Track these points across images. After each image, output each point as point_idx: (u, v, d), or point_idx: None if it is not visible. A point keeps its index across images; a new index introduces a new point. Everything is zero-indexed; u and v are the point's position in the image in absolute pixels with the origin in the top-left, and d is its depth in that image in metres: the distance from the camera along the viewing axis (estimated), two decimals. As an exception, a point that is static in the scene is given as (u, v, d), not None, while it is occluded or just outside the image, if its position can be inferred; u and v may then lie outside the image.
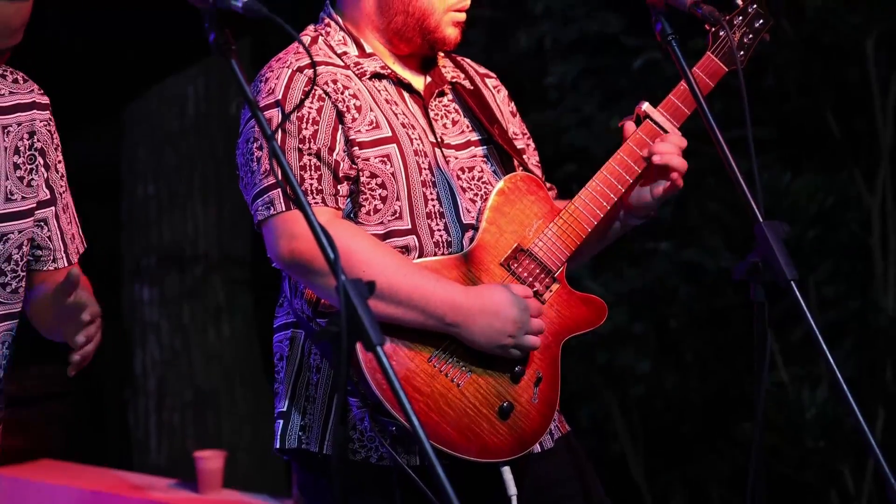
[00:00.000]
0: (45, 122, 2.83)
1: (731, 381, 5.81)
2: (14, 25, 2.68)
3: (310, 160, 2.83)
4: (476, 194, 2.97)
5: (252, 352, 6.64)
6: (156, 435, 6.52)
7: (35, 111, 2.82)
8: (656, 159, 2.96)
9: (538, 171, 3.14)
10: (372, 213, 2.87)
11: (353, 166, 2.87)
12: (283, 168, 2.29)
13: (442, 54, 3.08)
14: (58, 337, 2.74)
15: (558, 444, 3.03)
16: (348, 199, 2.88)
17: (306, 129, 2.85)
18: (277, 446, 2.94)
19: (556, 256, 2.94)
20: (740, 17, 3.06)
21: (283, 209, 2.81)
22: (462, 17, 3.00)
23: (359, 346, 2.65)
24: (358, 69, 2.95)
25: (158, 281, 6.56)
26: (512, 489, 2.85)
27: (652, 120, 3.01)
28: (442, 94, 3.04)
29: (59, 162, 2.87)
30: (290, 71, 2.88)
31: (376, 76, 2.96)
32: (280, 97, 2.85)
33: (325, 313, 2.87)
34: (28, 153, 2.79)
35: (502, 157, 3.04)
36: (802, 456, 5.41)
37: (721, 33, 3.02)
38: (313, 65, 2.89)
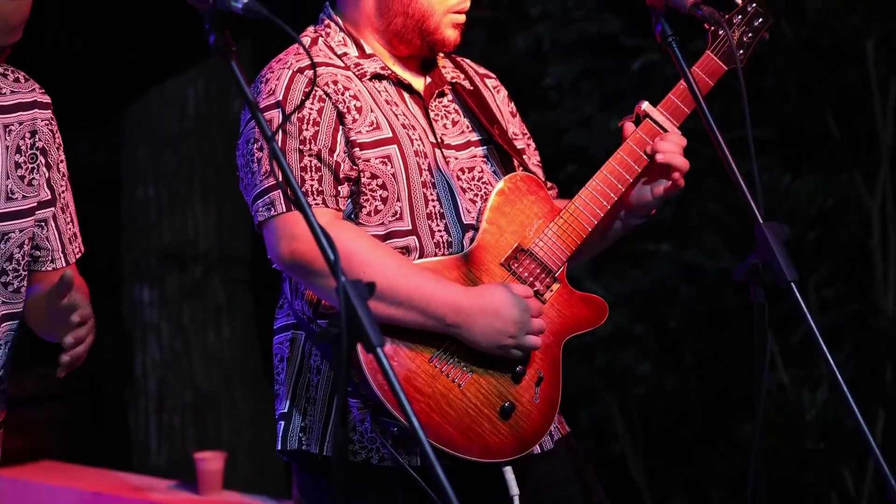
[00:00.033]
0: (47, 122, 2.84)
1: (731, 383, 5.81)
2: (13, 23, 2.68)
3: (310, 161, 2.83)
4: (476, 195, 2.97)
5: (252, 353, 6.64)
6: (156, 436, 6.52)
7: (36, 110, 2.82)
8: (659, 157, 2.96)
9: (539, 171, 3.14)
10: (373, 214, 2.88)
11: (354, 167, 2.87)
12: (283, 169, 2.29)
13: (442, 55, 3.08)
14: (52, 338, 2.74)
15: (558, 445, 3.03)
16: (349, 201, 2.88)
17: (307, 130, 2.85)
18: (279, 447, 2.94)
19: (557, 256, 2.94)
20: (739, 16, 3.06)
21: (284, 210, 2.81)
22: (462, 18, 3.00)
23: (359, 348, 2.65)
24: (358, 70, 2.95)
25: (158, 282, 6.56)
26: (514, 489, 2.86)
27: (652, 119, 3.01)
28: (442, 94, 3.04)
29: (61, 162, 2.87)
30: (291, 72, 2.88)
31: (376, 77, 2.97)
32: (281, 98, 2.85)
33: (325, 314, 2.87)
34: (30, 152, 2.79)
35: (502, 157, 3.04)
36: (802, 457, 5.41)
37: (720, 32, 3.02)
38: (313, 66, 2.89)
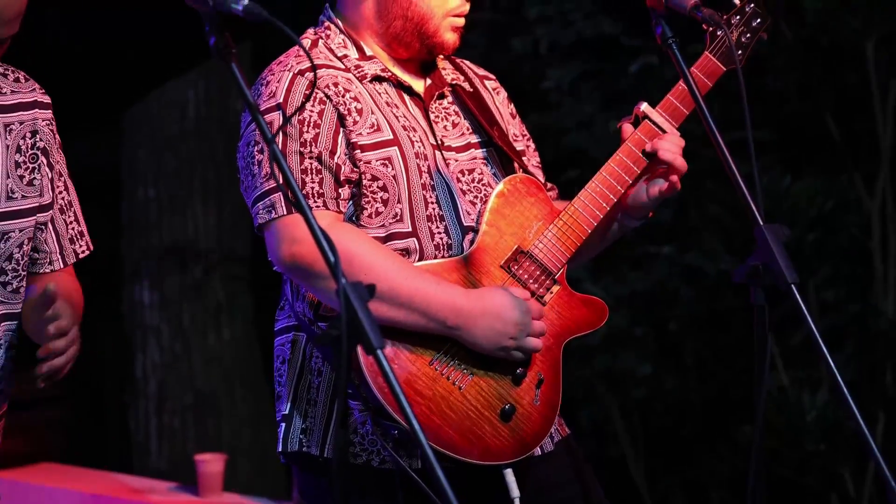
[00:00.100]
0: (48, 122, 2.83)
1: (732, 384, 5.81)
2: (9, 16, 2.67)
3: (311, 164, 2.83)
4: (476, 196, 2.97)
5: (252, 354, 6.64)
6: (156, 438, 6.52)
7: (37, 110, 2.82)
8: (661, 154, 2.95)
9: (538, 173, 3.14)
10: (374, 216, 2.88)
11: (355, 169, 2.87)
12: (283, 172, 2.29)
13: (441, 56, 3.08)
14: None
15: (558, 447, 3.03)
16: (350, 202, 2.88)
17: (307, 132, 2.85)
18: (280, 449, 2.94)
19: (557, 258, 2.94)
20: (738, 17, 3.07)
21: (285, 213, 2.81)
22: (461, 22, 3.00)
23: (360, 350, 2.65)
24: (358, 72, 2.95)
25: (158, 284, 6.56)
26: (515, 491, 2.85)
27: (650, 120, 3.01)
28: (442, 96, 3.04)
29: (61, 163, 2.87)
30: (291, 74, 2.88)
31: (377, 79, 2.97)
32: (281, 100, 2.85)
33: (325, 317, 2.87)
34: (30, 152, 2.79)
35: (502, 159, 3.04)
36: (803, 459, 5.41)
37: (719, 33, 3.02)
38: (314, 68, 2.89)
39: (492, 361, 2.86)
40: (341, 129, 2.87)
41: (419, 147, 2.93)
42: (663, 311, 5.88)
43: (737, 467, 5.80)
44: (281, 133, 2.83)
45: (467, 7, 3.00)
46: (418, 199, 2.90)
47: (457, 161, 2.98)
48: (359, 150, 2.87)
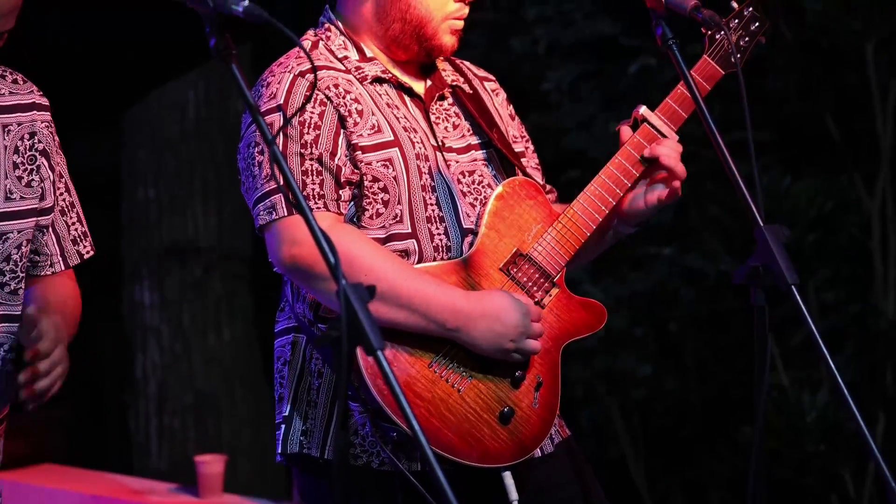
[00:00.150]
0: (47, 124, 2.83)
1: (732, 385, 5.82)
2: (3, 10, 2.66)
3: (311, 165, 2.83)
4: (476, 198, 2.97)
5: (252, 355, 6.64)
6: (156, 439, 6.52)
7: (35, 112, 2.81)
8: (663, 159, 2.95)
9: (537, 174, 3.14)
10: (374, 217, 2.88)
11: (356, 171, 2.87)
12: (283, 173, 2.29)
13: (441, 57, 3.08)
14: None
15: (559, 449, 3.03)
16: (351, 203, 2.88)
17: (308, 133, 2.85)
18: (280, 451, 2.93)
19: (556, 261, 2.94)
20: (736, 20, 3.07)
21: (285, 214, 2.81)
22: (460, 24, 3.00)
23: (359, 352, 2.65)
24: (359, 73, 2.95)
25: (158, 284, 6.56)
26: (513, 494, 2.85)
27: (649, 123, 3.01)
28: (442, 97, 3.04)
29: (61, 164, 2.86)
30: (292, 75, 2.88)
31: (377, 80, 2.97)
32: (282, 101, 2.85)
33: (325, 318, 2.87)
34: (28, 153, 2.79)
35: (502, 161, 3.04)
36: (803, 460, 5.41)
37: (717, 37, 3.02)
38: (314, 69, 2.89)
39: (491, 364, 2.86)
40: (342, 131, 2.87)
41: (420, 148, 2.93)
42: (663, 312, 5.88)
43: (737, 468, 5.81)
44: (281, 134, 2.83)
45: (466, 10, 2.99)
46: (418, 200, 2.90)
47: (458, 162, 2.98)
48: (360, 152, 2.87)
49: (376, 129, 2.90)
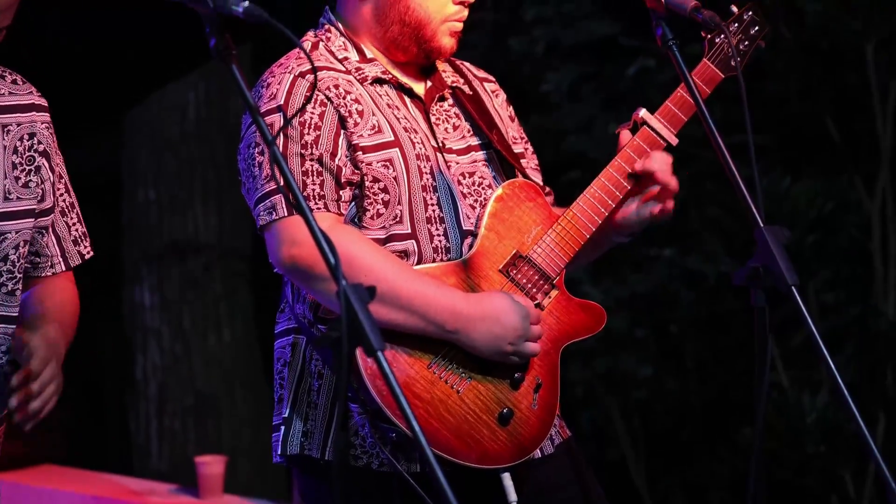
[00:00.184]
0: (47, 125, 2.83)
1: (732, 386, 5.82)
2: (0, 6, 2.66)
3: (312, 165, 2.83)
4: (476, 200, 2.97)
5: (253, 356, 6.64)
6: (156, 440, 6.52)
7: (34, 113, 2.81)
8: (659, 175, 2.96)
9: (537, 176, 3.14)
10: (375, 218, 2.88)
11: (356, 171, 2.87)
12: (284, 174, 2.29)
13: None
14: None
15: (559, 449, 3.03)
16: (352, 204, 2.88)
17: (308, 134, 2.85)
18: (280, 452, 2.93)
19: (555, 263, 2.94)
20: (736, 24, 3.07)
21: (285, 214, 2.81)
22: (459, 27, 3.00)
23: (359, 353, 2.65)
24: (359, 74, 2.95)
25: (159, 285, 6.56)
26: (512, 496, 2.85)
27: (649, 126, 3.01)
28: (442, 98, 3.04)
29: (60, 164, 2.86)
30: (292, 76, 2.88)
31: (377, 81, 2.97)
32: (282, 102, 2.85)
33: (325, 319, 2.87)
34: (27, 154, 2.78)
35: (502, 162, 3.04)
36: (803, 461, 5.41)
37: (717, 40, 3.02)
38: (314, 70, 2.89)
39: (490, 365, 2.85)
40: (342, 131, 2.87)
41: (420, 149, 2.93)
42: (664, 313, 5.88)
43: (737, 469, 5.81)
44: (282, 135, 2.83)
45: (465, 13, 2.99)
46: (418, 200, 2.90)
47: (458, 164, 2.98)
48: (360, 152, 2.87)
49: (377, 129, 2.90)
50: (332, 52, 2.98)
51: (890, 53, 5.49)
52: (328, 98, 2.88)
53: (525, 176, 3.04)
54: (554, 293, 2.94)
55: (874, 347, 5.51)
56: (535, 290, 2.92)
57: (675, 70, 2.85)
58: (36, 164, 2.79)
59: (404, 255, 2.88)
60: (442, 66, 3.08)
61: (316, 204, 2.82)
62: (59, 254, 2.87)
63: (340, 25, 3.02)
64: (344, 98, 2.89)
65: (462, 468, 2.80)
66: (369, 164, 2.87)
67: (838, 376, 2.59)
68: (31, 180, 2.78)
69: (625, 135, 3.02)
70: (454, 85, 3.07)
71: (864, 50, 5.45)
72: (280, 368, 2.95)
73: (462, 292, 2.84)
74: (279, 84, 2.87)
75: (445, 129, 3.01)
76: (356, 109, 2.90)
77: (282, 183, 2.76)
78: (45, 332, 2.66)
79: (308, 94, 2.86)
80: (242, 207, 2.96)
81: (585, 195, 2.97)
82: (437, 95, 3.03)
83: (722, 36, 3.01)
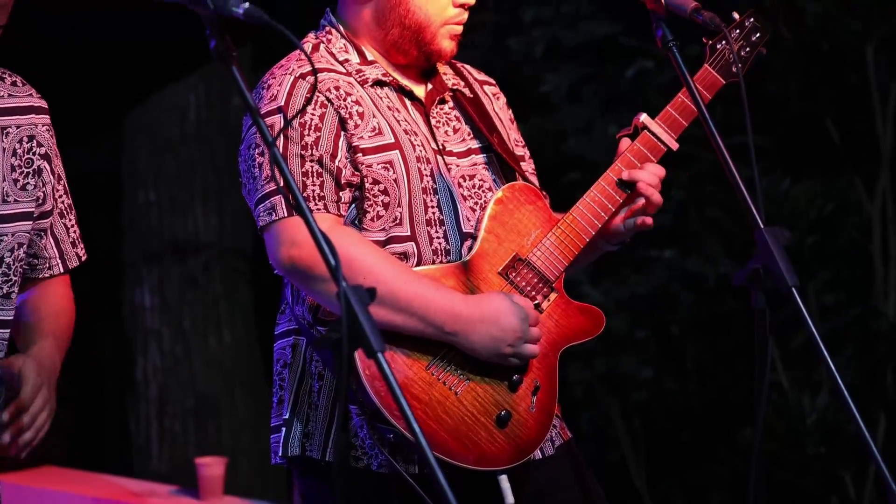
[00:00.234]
0: (47, 127, 2.82)
1: (732, 387, 5.82)
2: None
3: (312, 166, 2.83)
4: (476, 203, 2.97)
5: (253, 357, 6.64)
6: (157, 441, 6.52)
7: (33, 115, 2.80)
8: (641, 187, 2.96)
9: (533, 180, 3.14)
10: (375, 220, 2.88)
11: (356, 173, 2.87)
12: (284, 175, 2.29)
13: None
14: None
15: (559, 451, 3.03)
16: (352, 206, 2.88)
17: (309, 135, 2.85)
18: (280, 453, 2.93)
19: (554, 266, 2.94)
20: (737, 31, 3.07)
21: (285, 215, 2.81)
22: (459, 29, 3.00)
23: (357, 354, 2.65)
24: (360, 76, 2.95)
25: (159, 287, 6.56)
26: (509, 498, 2.85)
27: (650, 131, 3.01)
28: (443, 101, 3.04)
29: (59, 166, 2.86)
30: (293, 78, 2.88)
31: (378, 83, 2.97)
32: (283, 103, 2.85)
33: (325, 321, 2.87)
34: (26, 157, 2.77)
35: (502, 165, 3.04)
36: (803, 462, 5.41)
37: (718, 46, 3.03)
38: (314, 71, 2.89)
39: (488, 367, 2.85)
40: (342, 133, 2.87)
41: (420, 151, 2.93)
42: (664, 315, 5.88)
43: (737, 470, 5.81)
44: (282, 136, 2.83)
45: (465, 16, 2.99)
46: (418, 203, 2.90)
47: (458, 166, 2.98)
48: (360, 154, 2.87)
49: (377, 131, 2.90)
50: (332, 54, 2.98)
51: (890, 54, 5.50)
52: (329, 100, 2.88)
53: (525, 179, 3.04)
54: (553, 296, 2.94)
55: (874, 348, 5.51)
56: (534, 292, 2.92)
57: (675, 71, 2.85)
58: (35, 166, 2.78)
59: (404, 256, 2.88)
60: (442, 68, 3.08)
61: (316, 205, 2.82)
62: (57, 256, 2.86)
63: (341, 27, 3.02)
64: (344, 100, 2.90)
65: (459, 470, 2.80)
66: (369, 165, 2.87)
67: (838, 377, 2.59)
68: (29, 183, 2.77)
69: (625, 141, 3.03)
70: (455, 87, 3.07)
71: (864, 51, 5.45)
72: (280, 370, 2.95)
73: (461, 294, 2.84)
74: (280, 85, 2.87)
75: (446, 132, 3.01)
76: (357, 111, 2.90)
77: (282, 184, 2.76)
78: (39, 353, 2.67)
79: (308, 95, 2.86)
80: (242, 208, 2.96)
81: (585, 199, 2.97)
82: (438, 98, 3.03)
83: (723, 42, 3.01)
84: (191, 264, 6.57)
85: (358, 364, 2.73)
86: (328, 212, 2.83)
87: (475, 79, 3.17)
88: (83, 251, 2.92)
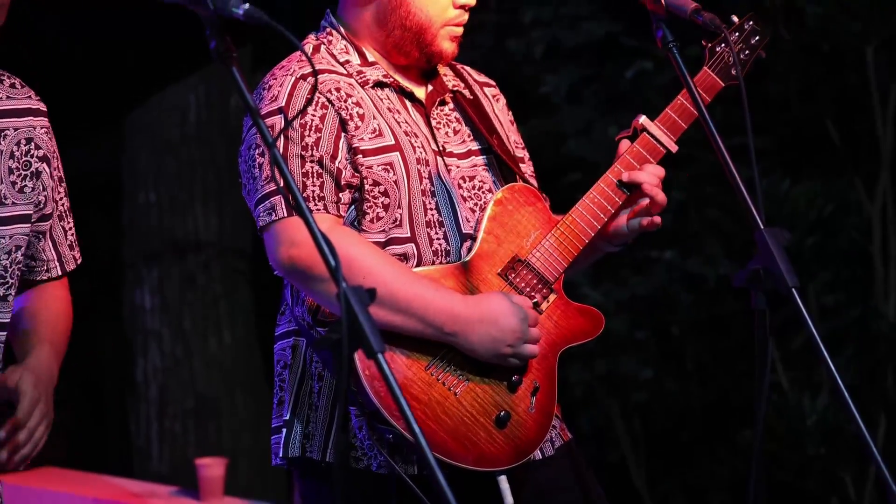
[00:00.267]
0: (46, 130, 2.80)
1: (732, 388, 5.82)
2: None
3: (312, 167, 2.84)
4: (476, 204, 2.97)
5: (253, 359, 6.64)
6: (157, 442, 6.52)
7: (31, 117, 2.79)
8: (646, 188, 2.96)
9: (534, 182, 3.14)
10: (375, 221, 2.88)
11: (356, 174, 2.87)
12: (284, 176, 2.29)
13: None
14: None
15: (559, 452, 3.03)
16: (352, 207, 2.88)
17: (309, 136, 2.85)
18: (280, 454, 2.93)
19: (554, 267, 2.94)
20: (737, 34, 3.07)
21: (285, 215, 2.81)
22: (459, 31, 3.00)
23: (357, 355, 2.65)
24: (360, 78, 2.95)
25: (159, 288, 6.56)
26: (509, 499, 2.85)
27: (649, 133, 3.01)
28: (443, 102, 3.04)
29: (58, 168, 2.85)
30: (294, 78, 2.88)
31: (379, 84, 2.97)
32: (283, 104, 2.85)
33: (324, 322, 2.87)
34: (24, 159, 2.76)
35: (502, 167, 3.04)
36: (803, 463, 5.41)
37: (718, 49, 3.03)
38: (314, 72, 2.89)
39: (488, 368, 2.85)
40: (343, 134, 2.87)
41: (421, 153, 2.93)
42: (664, 316, 5.88)
43: (737, 471, 5.81)
44: (282, 136, 2.83)
45: (465, 17, 3.00)
46: (418, 204, 2.90)
47: (458, 168, 2.98)
48: (361, 155, 2.87)
49: (377, 132, 2.90)
50: (333, 56, 2.98)
51: (890, 55, 5.50)
52: (329, 101, 2.88)
53: (525, 180, 3.04)
54: (552, 297, 2.94)
55: (874, 349, 5.52)
56: (533, 293, 2.92)
57: (674, 72, 2.84)
58: (33, 169, 2.77)
59: (404, 258, 2.88)
60: (443, 70, 3.09)
61: (316, 205, 2.83)
62: (55, 258, 2.86)
63: (342, 29, 3.02)
64: (345, 101, 2.90)
65: (459, 470, 2.80)
66: (370, 167, 2.87)
67: (838, 378, 2.59)
68: (27, 185, 2.76)
69: (624, 143, 3.03)
70: (455, 89, 3.07)
71: (865, 51, 5.45)
72: (280, 371, 2.95)
73: (460, 295, 2.84)
74: (280, 86, 2.87)
75: (446, 133, 3.01)
76: (357, 113, 2.90)
77: (282, 184, 2.76)
78: (35, 364, 2.67)
79: (309, 96, 2.86)
80: (242, 209, 2.96)
81: (584, 200, 2.97)
82: (438, 99, 3.03)
83: (723, 44, 3.01)
84: (191, 265, 6.57)
85: (358, 364, 2.73)
86: (328, 212, 2.83)
87: (475, 80, 3.17)
88: (79, 254, 2.91)
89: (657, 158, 3.02)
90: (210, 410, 6.51)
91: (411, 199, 2.89)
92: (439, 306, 2.79)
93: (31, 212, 2.77)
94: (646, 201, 2.99)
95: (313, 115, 2.86)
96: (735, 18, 3.06)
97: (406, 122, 2.95)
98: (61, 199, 2.85)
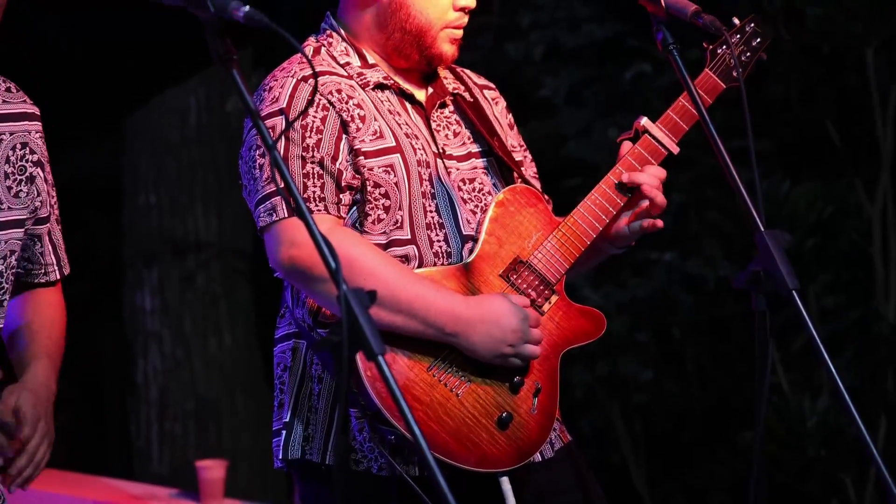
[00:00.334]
0: (40, 134, 2.80)
1: (732, 390, 5.82)
2: None
3: (313, 168, 2.84)
4: (476, 206, 2.97)
5: (253, 361, 6.64)
6: (157, 444, 6.52)
7: (26, 122, 2.78)
8: (645, 189, 2.96)
9: (535, 183, 3.14)
10: (376, 223, 2.88)
11: (357, 176, 2.87)
12: (284, 177, 2.29)
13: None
14: None
15: (559, 454, 3.03)
16: (354, 209, 2.88)
17: (310, 137, 2.85)
18: (281, 457, 2.93)
19: (556, 268, 2.94)
20: (738, 36, 3.07)
21: (285, 216, 2.81)
22: (459, 34, 3.00)
23: (358, 356, 2.65)
24: (361, 80, 2.96)
25: (160, 290, 6.56)
26: (511, 500, 2.85)
27: (650, 135, 3.01)
28: (443, 105, 3.05)
29: (50, 173, 2.84)
30: (295, 80, 2.88)
31: (379, 87, 2.97)
32: (284, 105, 2.85)
33: (325, 324, 2.87)
34: (19, 164, 2.75)
35: (502, 169, 3.04)
36: (804, 465, 5.41)
37: (719, 51, 3.03)
38: (314, 74, 2.89)
39: (489, 369, 2.85)
40: (344, 136, 2.88)
41: (421, 155, 2.93)
42: (664, 317, 5.88)
43: (738, 473, 5.81)
44: (283, 138, 2.83)
45: (465, 20, 3.00)
46: (418, 206, 2.90)
47: (458, 170, 2.99)
48: (362, 157, 2.87)
49: (378, 134, 2.90)
50: (333, 58, 2.98)
51: (890, 56, 5.50)
52: (330, 102, 2.88)
53: (526, 181, 3.04)
54: (554, 298, 2.95)
55: (875, 351, 5.51)
56: (535, 295, 2.92)
57: (674, 74, 2.85)
58: (28, 173, 2.76)
59: (405, 259, 2.88)
60: (443, 72, 3.09)
61: (316, 206, 2.83)
62: (54, 262, 2.86)
63: (342, 31, 3.02)
64: (346, 103, 2.90)
65: (460, 471, 2.80)
66: (370, 169, 2.87)
67: (839, 380, 2.59)
68: (21, 190, 2.75)
69: (626, 144, 3.03)
70: (455, 92, 3.07)
71: (865, 53, 5.45)
72: (280, 373, 2.95)
73: (461, 295, 2.84)
74: (281, 88, 2.88)
75: (446, 136, 3.01)
76: (358, 114, 2.90)
77: (282, 186, 2.76)
78: (33, 382, 2.68)
79: (310, 97, 2.86)
80: (242, 210, 2.96)
81: (586, 202, 2.97)
82: (439, 102, 3.03)
83: (724, 46, 3.01)
84: (191, 266, 6.57)
85: (359, 365, 2.73)
86: (328, 213, 2.84)
87: (475, 83, 3.17)
88: (66, 264, 2.93)
89: (659, 160, 3.02)
90: (210, 412, 6.51)
91: (412, 200, 2.90)
92: (440, 307, 2.80)
93: (26, 216, 2.76)
94: (646, 203, 2.99)
95: (314, 117, 2.86)
96: (736, 20, 3.06)
97: (406, 124, 2.96)
98: (55, 203, 2.85)
